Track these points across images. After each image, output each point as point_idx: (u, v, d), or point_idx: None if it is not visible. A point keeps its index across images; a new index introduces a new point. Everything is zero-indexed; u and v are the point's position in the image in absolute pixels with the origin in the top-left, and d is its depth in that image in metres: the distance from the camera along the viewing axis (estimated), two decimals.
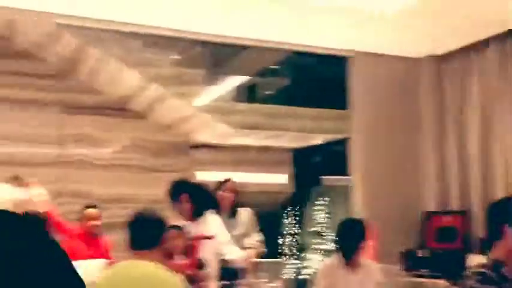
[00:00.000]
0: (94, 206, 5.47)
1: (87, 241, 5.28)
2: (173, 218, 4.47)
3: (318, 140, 7.44)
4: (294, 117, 6.86)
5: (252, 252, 4.85)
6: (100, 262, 4.92)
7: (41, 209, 4.47)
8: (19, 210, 4.34)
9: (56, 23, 5.81)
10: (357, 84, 6.81)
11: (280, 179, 7.74)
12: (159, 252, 2.91)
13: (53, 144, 6.69)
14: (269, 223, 7.24)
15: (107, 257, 5.15)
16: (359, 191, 6.73)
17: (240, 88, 7.42)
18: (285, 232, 9.39)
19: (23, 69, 6.61)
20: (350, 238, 3.97)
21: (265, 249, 5.13)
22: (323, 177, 8.88)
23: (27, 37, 6.43)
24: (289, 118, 6.83)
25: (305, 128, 6.91)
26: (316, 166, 8.46)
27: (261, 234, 5.15)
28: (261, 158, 7.71)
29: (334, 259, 4.07)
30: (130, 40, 6.24)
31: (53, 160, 6.62)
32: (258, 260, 5.14)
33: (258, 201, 6.98)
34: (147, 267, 2.82)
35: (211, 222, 4.63)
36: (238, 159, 7.59)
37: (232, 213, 5.08)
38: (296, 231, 9.17)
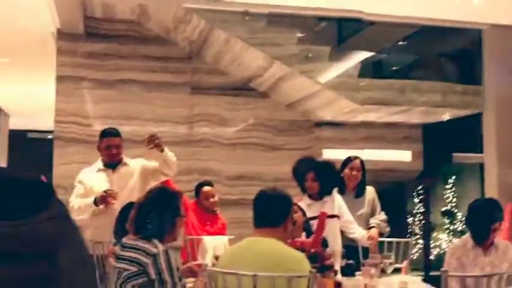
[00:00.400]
0: (209, 184, 5.50)
1: (202, 217, 5.37)
2: (297, 196, 4.49)
3: (448, 115, 7.13)
4: (422, 92, 6.62)
5: (376, 231, 4.77)
6: (224, 238, 5.06)
7: (173, 171, 4.65)
8: (149, 178, 4.59)
9: (184, 7, 6.00)
10: (491, 58, 6.50)
11: (404, 156, 7.51)
12: (282, 230, 2.94)
13: (182, 124, 6.96)
14: (395, 202, 7.08)
15: (223, 234, 5.25)
16: (493, 168, 6.41)
17: (365, 64, 7.24)
18: (413, 211, 9.14)
19: (154, 53, 6.90)
20: (482, 219, 3.78)
21: (389, 229, 5.02)
22: (454, 154, 8.52)
23: (157, 21, 6.69)
24: (416, 93, 6.59)
25: (434, 103, 6.64)
26: (447, 143, 8.12)
27: (384, 213, 5.04)
28: (388, 134, 7.52)
29: (465, 239, 3.90)
30: (255, 20, 6.30)
31: (183, 139, 6.89)
32: (383, 239, 5.04)
33: (383, 179, 6.84)
34: (272, 243, 2.85)
35: (337, 201, 4.61)
36: (363, 136, 7.45)
37: (359, 192, 5.01)
38: (425, 210, 8.89)
